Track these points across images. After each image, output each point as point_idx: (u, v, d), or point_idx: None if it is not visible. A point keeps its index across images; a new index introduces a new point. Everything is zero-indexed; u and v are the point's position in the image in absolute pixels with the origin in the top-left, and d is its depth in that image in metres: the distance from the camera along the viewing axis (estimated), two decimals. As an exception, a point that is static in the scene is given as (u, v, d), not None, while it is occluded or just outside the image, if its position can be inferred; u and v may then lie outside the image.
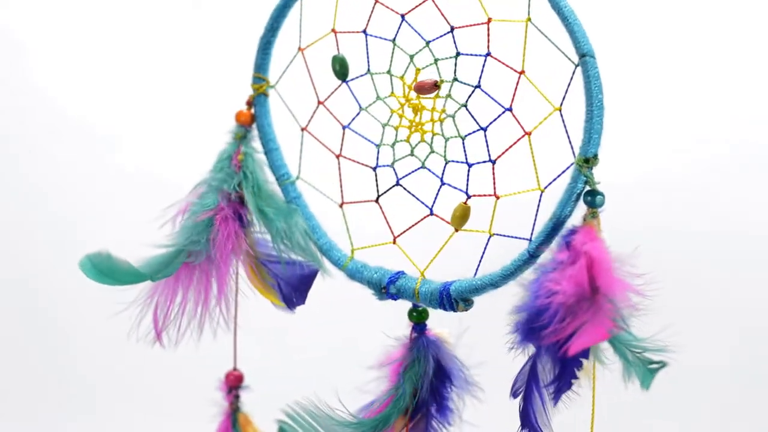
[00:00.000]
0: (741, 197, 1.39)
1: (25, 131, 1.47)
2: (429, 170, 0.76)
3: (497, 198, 0.73)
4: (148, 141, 1.48)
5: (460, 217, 0.75)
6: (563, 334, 0.63)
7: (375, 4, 0.74)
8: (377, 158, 0.78)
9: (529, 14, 0.70)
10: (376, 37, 0.75)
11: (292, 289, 0.82)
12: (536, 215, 0.71)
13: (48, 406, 1.43)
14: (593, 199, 0.68)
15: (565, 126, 0.69)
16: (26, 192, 1.47)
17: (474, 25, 0.71)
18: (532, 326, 0.66)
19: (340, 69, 0.78)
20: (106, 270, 0.77)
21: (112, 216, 1.46)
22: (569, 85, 0.69)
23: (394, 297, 0.77)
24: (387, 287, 0.77)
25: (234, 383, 0.90)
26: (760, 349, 1.37)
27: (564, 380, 0.69)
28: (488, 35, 0.71)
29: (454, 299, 0.74)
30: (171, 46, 1.47)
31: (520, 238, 0.71)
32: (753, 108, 1.40)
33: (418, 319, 0.80)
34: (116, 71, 1.47)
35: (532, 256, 0.70)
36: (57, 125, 1.46)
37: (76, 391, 1.44)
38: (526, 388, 0.73)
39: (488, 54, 0.72)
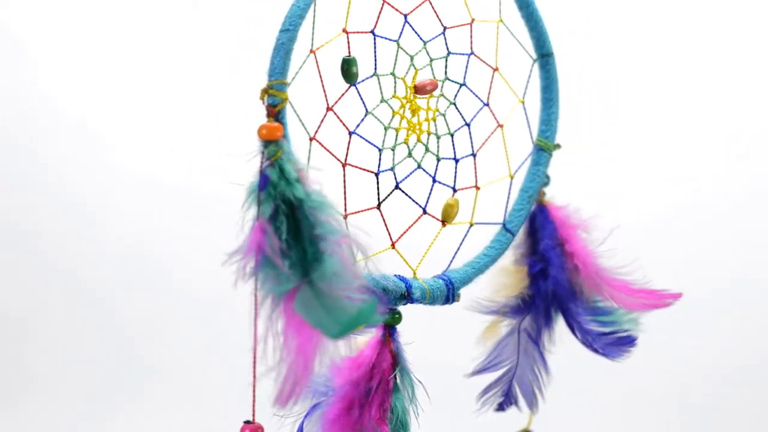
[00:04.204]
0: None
1: (26, 131, 1.47)
2: (424, 170, 0.76)
3: (477, 189, 0.77)
4: (148, 141, 1.48)
5: (456, 213, 0.76)
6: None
7: (383, 4, 0.73)
8: (379, 162, 0.75)
9: (500, 16, 0.76)
10: (381, 37, 0.74)
11: None
12: (507, 199, 0.79)
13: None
14: (547, 179, 0.82)
15: (526, 116, 0.79)
16: (25, 191, 1.47)
17: (463, 25, 0.73)
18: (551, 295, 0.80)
19: (351, 71, 0.72)
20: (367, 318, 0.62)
21: (111, 216, 1.47)
22: (528, 80, 0.79)
23: (417, 301, 0.75)
24: (410, 293, 0.74)
25: None
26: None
27: (597, 338, 0.81)
28: (471, 35, 0.74)
29: (456, 291, 0.75)
30: (170, 46, 1.47)
31: (495, 224, 0.78)
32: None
33: (398, 322, 0.75)
34: (116, 72, 1.48)
35: (513, 235, 0.79)
36: (57, 125, 1.46)
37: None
38: (519, 358, 0.82)
39: (471, 53, 0.75)
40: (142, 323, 1.45)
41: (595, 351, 0.82)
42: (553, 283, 0.80)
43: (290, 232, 0.63)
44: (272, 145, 0.65)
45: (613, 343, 0.82)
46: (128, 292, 1.45)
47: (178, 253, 1.45)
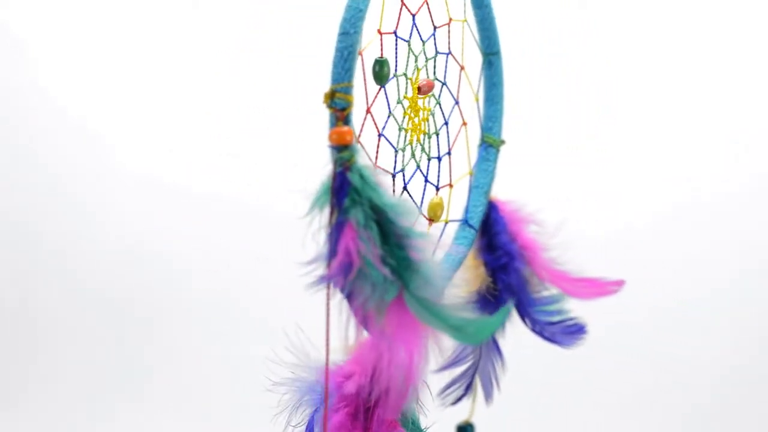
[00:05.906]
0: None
1: (26, 131, 1.47)
2: (421, 171, 0.76)
3: (451, 187, 0.78)
4: (148, 141, 1.48)
5: (442, 211, 0.77)
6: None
7: (402, 6, 0.72)
8: (395, 163, 0.74)
9: (465, 16, 0.77)
10: (401, 39, 0.73)
11: None
12: (469, 195, 0.80)
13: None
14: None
15: (479, 112, 0.80)
16: (25, 191, 1.47)
17: (445, 24, 0.75)
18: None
19: (383, 72, 0.71)
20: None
21: (111, 216, 1.47)
22: (481, 78, 0.80)
23: None
24: None
25: None
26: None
27: (546, 327, 0.84)
28: (449, 35, 0.75)
29: None
30: (170, 46, 1.47)
31: (458, 221, 0.80)
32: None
33: None
34: (116, 72, 1.48)
35: (476, 231, 0.80)
36: (57, 125, 1.46)
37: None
38: (482, 351, 0.84)
39: (449, 53, 0.76)
40: (142, 323, 1.45)
41: (546, 339, 0.84)
42: (515, 276, 0.82)
43: (380, 237, 0.61)
44: (346, 149, 0.62)
45: (562, 331, 0.84)
46: (128, 292, 1.45)
47: (178, 253, 1.46)
